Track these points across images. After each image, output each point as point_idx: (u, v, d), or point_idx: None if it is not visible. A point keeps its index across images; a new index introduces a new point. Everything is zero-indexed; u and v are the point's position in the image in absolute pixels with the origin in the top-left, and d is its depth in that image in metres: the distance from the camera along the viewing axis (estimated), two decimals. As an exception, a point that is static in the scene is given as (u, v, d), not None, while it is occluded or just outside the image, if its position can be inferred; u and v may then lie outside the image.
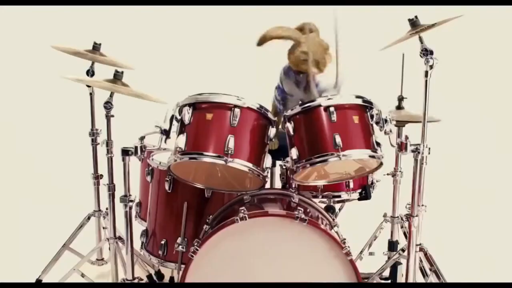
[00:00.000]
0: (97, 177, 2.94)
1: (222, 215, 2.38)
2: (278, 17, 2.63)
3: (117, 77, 2.45)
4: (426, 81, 2.18)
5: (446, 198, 3.83)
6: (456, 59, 3.84)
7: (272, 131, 2.22)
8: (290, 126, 2.17)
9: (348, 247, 2.01)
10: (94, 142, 2.92)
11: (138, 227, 3.04)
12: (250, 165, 2.11)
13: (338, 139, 2.04)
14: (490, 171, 4.62)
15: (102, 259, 3.10)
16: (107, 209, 2.99)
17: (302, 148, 2.14)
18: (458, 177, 4.46)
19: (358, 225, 2.93)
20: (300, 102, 2.62)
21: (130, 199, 2.23)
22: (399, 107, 2.67)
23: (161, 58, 4.69)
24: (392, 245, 2.84)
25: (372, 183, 2.61)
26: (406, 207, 2.32)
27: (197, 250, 2.03)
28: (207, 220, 2.38)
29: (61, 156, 4.75)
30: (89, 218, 2.97)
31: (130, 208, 2.26)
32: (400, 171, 2.74)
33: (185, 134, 2.15)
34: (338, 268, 2.04)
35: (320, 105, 2.10)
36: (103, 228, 3.04)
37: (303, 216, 1.99)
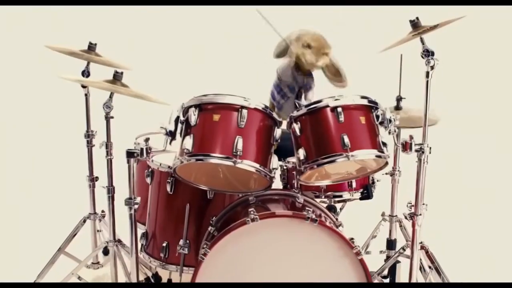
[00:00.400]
0: (92, 179, 2.89)
1: (226, 217, 2.37)
2: (277, 18, 2.64)
3: (116, 77, 2.42)
4: (427, 81, 2.21)
5: (445, 196, 3.87)
6: (456, 58, 3.88)
7: (277, 132, 2.22)
8: (296, 126, 2.17)
9: (358, 246, 2.03)
10: (89, 144, 2.87)
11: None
12: (259, 166, 2.11)
13: (346, 139, 2.05)
14: (489, 170, 4.68)
15: (98, 263, 3.05)
16: (102, 211, 2.97)
17: (309, 148, 2.14)
18: (456, 176, 4.50)
19: (356, 224, 2.95)
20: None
21: (135, 202, 2.20)
22: (397, 107, 2.69)
23: (155, 59, 4.64)
24: (391, 244, 2.86)
25: (373, 182, 2.64)
26: (407, 205, 2.34)
27: (207, 252, 2.01)
28: (211, 222, 2.37)
29: (56, 158, 4.69)
30: (84, 221, 2.91)
31: (135, 211, 2.22)
32: (398, 170, 2.76)
33: (191, 135, 2.13)
34: (348, 268, 2.05)
35: (327, 106, 2.11)
36: (98, 231, 3.00)
37: (313, 216, 2.00)
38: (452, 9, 3.57)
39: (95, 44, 2.74)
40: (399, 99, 2.69)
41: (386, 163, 2.22)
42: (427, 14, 2.36)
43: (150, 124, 3.07)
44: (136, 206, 2.20)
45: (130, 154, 2.17)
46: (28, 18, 4.75)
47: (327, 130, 2.11)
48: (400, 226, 2.85)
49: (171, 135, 2.20)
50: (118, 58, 2.75)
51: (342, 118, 2.09)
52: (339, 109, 2.09)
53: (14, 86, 4.96)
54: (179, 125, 2.22)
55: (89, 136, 2.86)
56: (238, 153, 2.06)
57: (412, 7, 3.55)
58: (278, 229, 2.05)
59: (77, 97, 2.84)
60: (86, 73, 2.76)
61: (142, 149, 2.17)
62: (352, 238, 2.08)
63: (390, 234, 2.87)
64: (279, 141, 2.23)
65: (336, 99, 2.11)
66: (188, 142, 2.11)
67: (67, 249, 2.85)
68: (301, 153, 2.15)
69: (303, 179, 2.27)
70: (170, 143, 2.22)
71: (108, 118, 2.48)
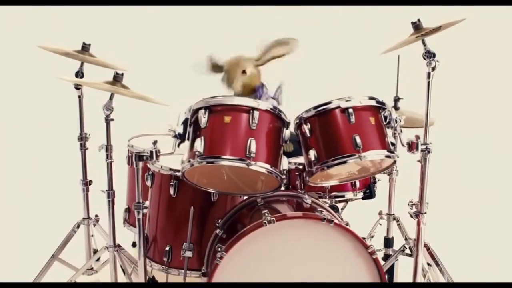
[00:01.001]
0: (86, 183, 2.82)
1: (233, 219, 2.36)
2: (277, 18, 2.64)
3: (117, 79, 2.38)
4: (428, 82, 2.25)
5: (442, 195, 3.91)
6: (454, 58, 3.91)
7: (286, 133, 2.22)
8: (306, 127, 2.18)
9: (372, 245, 2.05)
10: (83, 147, 2.80)
11: (128, 233, 2.96)
12: (271, 168, 2.10)
13: (358, 140, 2.07)
14: (486, 170, 4.75)
15: (92, 269, 2.96)
16: (96, 216, 2.90)
17: (320, 150, 2.15)
18: (453, 175, 4.55)
19: (353, 224, 2.98)
20: None
21: (144, 206, 2.15)
22: (394, 108, 2.73)
23: (149, 59, 4.56)
24: (388, 242, 2.90)
25: (374, 182, 2.67)
26: (409, 204, 2.37)
27: (224, 255, 1.99)
28: (217, 224, 2.36)
29: (49, 162, 4.60)
30: (78, 226, 2.84)
31: (144, 215, 2.18)
32: (396, 170, 2.80)
33: (202, 138, 2.10)
34: (362, 267, 2.06)
35: (339, 107, 2.12)
36: (91, 236, 2.93)
37: (329, 217, 2.01)
38: (450, 9, 3.63)
39: (89, 45, 2.68)
40: (396, 99, 2.73)
41: (394, 162, 2.26)
42: (424, 14, 2.39)
43: (143, 125, 3.04)
44: (145, 210, 2.15)
45: (139, 157, 2.12)
46: (20, 18, 4.62)
47: (338, 131, 2.12)
48: (398, 224, 2.88)
49: (181, 137, 2.17)
50: (110, 58, 2.69)
51: (353, 119, 2.11)
52: (350, 110, 2.11)
53: (5, 87, 4.83)
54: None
55: (82, 139, 2.79)
56: (252, 155, 2.04)
57: (409, 7, 3.58)
58: (294, 230, 2.05)
59: (70, 99, 2.76)
60: (80, 74, 2.69)
61: (151, 152, 2.12)
62: (364, 238, 2.10)
63: (387, 233, 2.91)
64: (287, 142, 2.23)
65: (347, 100, 2.13)
66: (199, 144, 2.08)
67: (61, 255, 2.77)
68: (312, 154, 2.15)
69: (311, 180, 2.28)
70: (178, 145, 2.19)
71: (108, 120, 2.43)
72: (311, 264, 2.07)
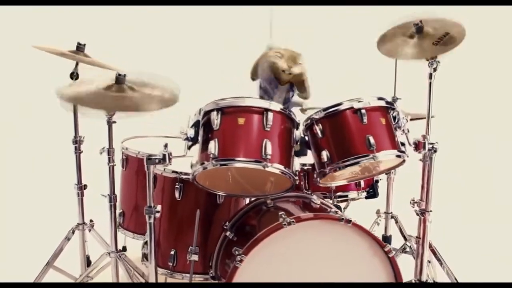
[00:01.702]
0: (81, 187, 2.74)
1: (241, 221, 2.34)
2: (276, 17, 2.63)
3: (119, 80, 2.31)
4: (430, 83, 2.29)
5: (441, 194, 3.95)
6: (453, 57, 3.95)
7: (297, 134, 2.21)
8: (318, 128, 2.18)
9: (389, 245, 2.07)
10: (77, 150, 2.71)
11: (123, 237, 2.89)
12: (285, 169, 2.09)
13: (372, 140, 2.08)
14: (485, 169, 4.80)
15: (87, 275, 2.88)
16: (91, 221, 2.83)
17: (332, 150, 2.15)
18: (452, 174, 4.53)
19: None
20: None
21: (156, 210, 2.10)
22: (392, 108, 2.76)
23: (144, 60, 4.46)
24: (386, 240, 2.94)
25: (377, 181, 2.69)
26: (411, 202, 2.41)
27: (243, 258, 1.97)
28: (224, 227, 2.33)
29: (42, 165, 4.49)
30: (73, 232, 2.75)
31: (155, 219, 2.13)
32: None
33: (215, 140, 2.07)
34: (377, 267, 2.08)
35: (351, 108, 2.13)
36: (85, 241, 2.85)
37: (347, 217, 2.02)
38: (451, 9, 3.65)
39: (84, 45, 2.60)
40: (394, 99, 2.77)
41: (403, 162, 2.28)
42: (424, 14, 2.42)
43: (133, 127, 2.97)
44: (158, 215, 2.10)
45: (150, 160, 2.06)
46: (15, 17, 4.48)
47: (351, 132, 2.13)
48: (396, 222, 2.93)
49: (192, 140, 2.13)
50: (107, 59, 2.62)
51: (365, 120, 2.12)
52: (363, 111, 2.12)
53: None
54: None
55: (76, 142, 2.71)
56: (268, 156, 2.03)
57: (410, 7, 3.60)
58: (311, 231, 2.05)
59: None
60: (75, 75, 2.60)
61: (164, 155, 2.07)
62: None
63: (385, 231, 2.95)
64: (298, 143, 2.23)
65: (359, 101, 2.14)
66: (213, 146, 2.05)
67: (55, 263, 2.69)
68: (325, 155, 2.15)
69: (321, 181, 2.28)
70: (189, 148, 2.16)
71: (110, 123, 2.37)
72: (327, 264, 2.07)
